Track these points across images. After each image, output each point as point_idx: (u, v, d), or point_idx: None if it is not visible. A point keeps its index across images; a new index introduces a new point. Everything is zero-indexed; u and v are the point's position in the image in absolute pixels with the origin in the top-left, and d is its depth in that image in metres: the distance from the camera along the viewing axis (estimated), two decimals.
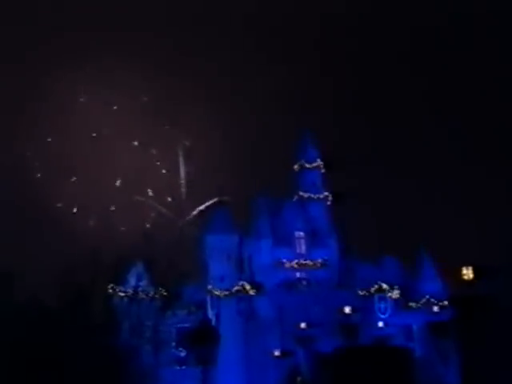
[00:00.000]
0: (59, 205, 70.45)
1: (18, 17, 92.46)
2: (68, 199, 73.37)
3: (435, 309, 57.58)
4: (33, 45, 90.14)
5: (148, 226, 64.99)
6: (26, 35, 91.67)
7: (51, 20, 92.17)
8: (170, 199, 71.62)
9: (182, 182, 70.40)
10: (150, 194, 69.90)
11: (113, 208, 70.65)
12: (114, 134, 78.47)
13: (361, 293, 57.46)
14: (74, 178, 76.28)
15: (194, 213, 66.37)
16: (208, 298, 55.91)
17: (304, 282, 58.36)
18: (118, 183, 72.64)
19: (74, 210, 67.28)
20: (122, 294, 54.30)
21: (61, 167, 78.15)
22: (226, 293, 55.59)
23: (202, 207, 64.81)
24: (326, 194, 62.52)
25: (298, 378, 55.22)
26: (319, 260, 58.72)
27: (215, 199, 61.84)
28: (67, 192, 75.43)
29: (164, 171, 75.19)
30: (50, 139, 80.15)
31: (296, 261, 58.50)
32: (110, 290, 53.65)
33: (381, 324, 57.49)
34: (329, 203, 62.61)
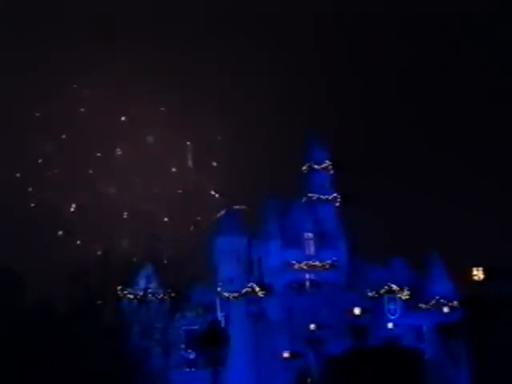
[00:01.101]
0: (60, 233, 69.67)
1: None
2: (69, 228, 72.33)
3: (445, 310, 57.34)
4: (36, 54, 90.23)
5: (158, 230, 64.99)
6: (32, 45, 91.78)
7: (61, 27, 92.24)
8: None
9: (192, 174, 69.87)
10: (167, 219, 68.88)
11: (124, 240, 69.98)
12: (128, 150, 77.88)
13: (370, 294, 57.31)
14: (74, 206, 75.05)
15: (209, 222, 66.04)
16: (217, 300, 55.88)
17: (313, 284, 58.28)
18: (125, 215, 71.62)
19: (78, 242, 66.59)
20: (132, 297, 54.32)
21: (59, 192, 77.34)
22: (235, 294, 55.55)
23: (217, 216, 64.51)
24: (335, 195, 62.36)
25: (308, 380, 55.10)
26: (328, 261, 58.58)
27: (228, 208, 61.65)
28: (68, 220, 74.40)
29: (180, 191, 74.41)
30: (40, 160, 79.07)
31: (305, 262, 58.38)
32: (120, 293, 53.69)
33: (390, 325, 57.32)
34: (337, 204, 62.45)
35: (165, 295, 55.50)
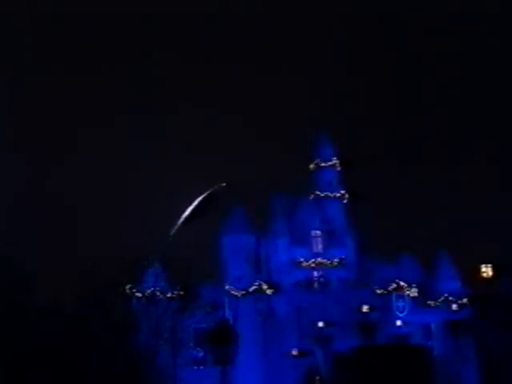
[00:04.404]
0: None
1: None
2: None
3: (454, 307, 57.26)
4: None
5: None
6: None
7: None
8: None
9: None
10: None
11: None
12: None
13: (378, 291, 57.27)
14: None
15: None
16: (226, 298, 55.94)
17: (321, 281, 58.29)
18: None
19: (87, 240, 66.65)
20: (140, 295, 54.41)
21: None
22: (244, 292, 55.61)
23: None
24: (343, 192, 62.31)
25: (316, 378, 55.13)
26: (336, 259, 58.58)
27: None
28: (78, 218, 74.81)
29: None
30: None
31: (313, 260, 58.40)
32: (128, 291, 53.76)
33: (399, 322, 57.30)
34: (345, 202, 62.39)
35: (173, 294, 55.55)
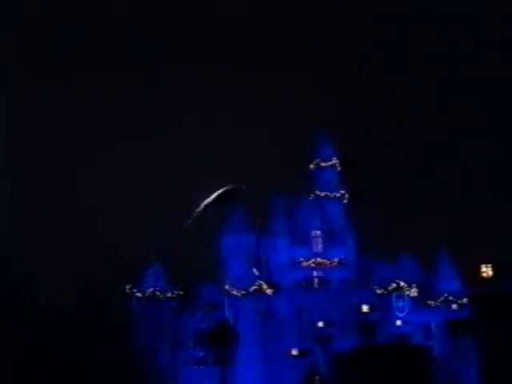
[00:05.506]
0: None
1: None
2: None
3: (454, 307, 57.27)
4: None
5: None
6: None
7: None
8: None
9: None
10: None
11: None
12: None
13: (378, 291, 57.29)
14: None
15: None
16: (226, 298, 55.94)
17: (321, 281, 58.30)
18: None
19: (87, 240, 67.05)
20: (140, 295, 54.45)
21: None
22: (244, 292, 55.61)
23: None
24: (343, 192, 62.31)
25: (316, 378, 55.14)
26: (336, 259, 58.61)
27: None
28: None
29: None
30: None
31: (313, 260, 58.43)
32: (128, 291, 53.80)
33: (399, 322, 57.32)
34: (345, 202, 62.39)
35: (173, 294, 55.59)
